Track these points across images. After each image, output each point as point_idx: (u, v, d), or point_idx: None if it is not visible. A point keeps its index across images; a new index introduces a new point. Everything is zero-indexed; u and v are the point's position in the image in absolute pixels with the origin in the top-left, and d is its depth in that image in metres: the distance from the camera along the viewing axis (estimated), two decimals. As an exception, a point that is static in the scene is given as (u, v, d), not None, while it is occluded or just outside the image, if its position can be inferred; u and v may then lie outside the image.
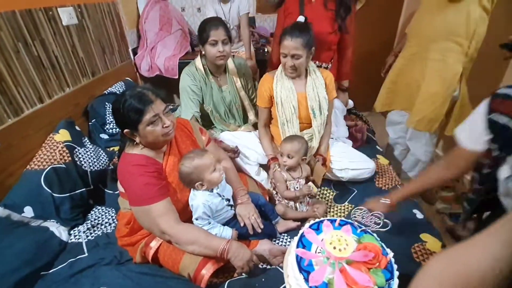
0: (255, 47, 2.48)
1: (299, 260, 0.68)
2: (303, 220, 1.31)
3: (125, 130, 1.03)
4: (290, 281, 0.67)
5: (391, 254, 0.70)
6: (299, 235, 0.74)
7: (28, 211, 1.22)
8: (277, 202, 1.36)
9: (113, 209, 1.39)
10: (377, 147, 1.86)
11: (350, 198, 1.44)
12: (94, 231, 1.28)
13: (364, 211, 0.97)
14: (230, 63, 1.64)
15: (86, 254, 1.15)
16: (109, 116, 1.85)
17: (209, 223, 1.08)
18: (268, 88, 1.44)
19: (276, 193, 1.37)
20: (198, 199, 1.07)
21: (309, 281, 0.63)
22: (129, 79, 2.21)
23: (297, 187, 1.32)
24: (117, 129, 1.84)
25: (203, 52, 1.53)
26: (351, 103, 2.06)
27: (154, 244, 1.06)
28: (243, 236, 1.16)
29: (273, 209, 1.29)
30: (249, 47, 2.24)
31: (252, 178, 1.47)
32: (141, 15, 2.42)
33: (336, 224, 0.77)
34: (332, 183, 1.53)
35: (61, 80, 1.63)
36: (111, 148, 1.74)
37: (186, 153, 1.13)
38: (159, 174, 1.06)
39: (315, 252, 0.72)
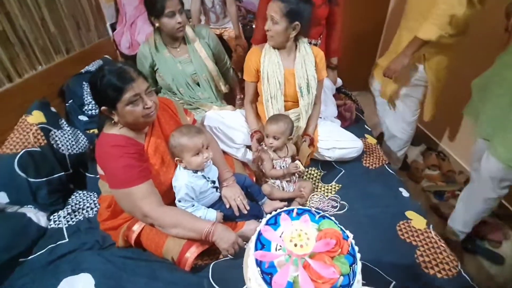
0: (242, 23, 2.36)
1: (259, 263, 0.63)
2: (290, 200, 1.30)
3: (103, 108, 0.97)
4: (252, 286, 0.63)
5: (351, 237, 0.68)
6: (256, 233, 0.69)
7: (2, 197, 1.17)
8: (263, 182, 1.34)
9: (95, 193, 1.34)
10: (366, 126, 1.84)
11: (337, 177, 1.43)
12: (75, 216, 1.24)
13: (320, 196, 0.94)
14: (190, 32, 1.55)
15: (67, 240, 1.12)
16: (87, 97, 1.75)
17: (193, 205, 1.05)
18: (255, 61, 1.38)
19: (262, 174, 1.35)
20: (181, 180, 1.04)
21: (272, 286, 0.58)
22: (108, 57, 2.08)
23: (283, 166, 1.31)
24: (97, 110, 1.75)
25: (157, 25, 1.45)
26: (339, 81, 2.02)
27: (136, 228, 1.03)
28: (229, 217, 1.14)
29: (260, 190, 1.27)
30: (238, 24, 2.13)
31: (239, 160, 1.43)
32: (118, -13, 2.25)
33: (294, 214, 0.73)
34: (319, 163, 1.51)
35: (31, 58, 1.51)
36: (91, 131, 1.65)
37: (184, 125, 1.12)
38: (140, 156, 1.02)
39: (276, 249, 0.67)
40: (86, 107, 1.74)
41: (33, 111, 1.37)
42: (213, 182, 1.12)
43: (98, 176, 1.32)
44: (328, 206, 0.84)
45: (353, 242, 0.67)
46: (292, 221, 0.69)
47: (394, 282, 0.94)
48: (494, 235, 1.58)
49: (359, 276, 0.63)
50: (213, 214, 1.07)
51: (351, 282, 0.61)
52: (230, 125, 1.46)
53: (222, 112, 1.53)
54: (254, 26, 2.40)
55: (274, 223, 0.72)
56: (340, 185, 1.38)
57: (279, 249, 0.67)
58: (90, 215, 1.24)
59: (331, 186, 1.39)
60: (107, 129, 1.03)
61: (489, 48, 1.36)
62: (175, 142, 1.05)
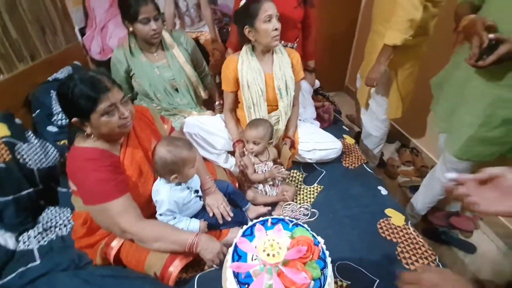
0: (218, 26, 2.34)
1: (236, 273, 0.66)
2: (273, 205, 1.30)
3: (73, 119, 0.91)
4: None
5: (322, 242, 0.72)
6: (233, 245, 0.72)
7: (-37, 220, 1.07)
8: (246, 187, 1.33)
9: (68, 209, 1.27)
10: (344, 127, 1.89)
11: (319, 179, 1.45)
12: (47, 234, 1.16)
13: (292, 205, 0.97)
14: (167, 37, 1.52)
15: (38, 262, 1.04)
16: (56, 106, 1.65)
17: (174, 218, 1.02)
18: (233, 70, 1.36)
19: (245, 179, 1.34)
20: (162, 194, 0.99)
21: None
22: (78, 63, 1.98)
23: (265, 170, 1.31)
24: (67, 120, 1.66)
25: (131, 29, 1.41)
26: (317, 83, 2.05)
27: (115, 244, 0.99)
28: (213, 226, 1.12)
29: (243, 196, 1.26)
30: (213, 27, 2.10)
31: (220, 166, 1.41)
32: (87, -10, 2.15)
33: (269, 224, 0.77)
34: (301, 165, 1.53)
35: (-9, 66, 1.40)
36: (62, 142, 1.56)
37: (170, 138, 1.07)
38: (115, 168, 0.97)
39: (252, 259, 0.70)
40: (55, 117, 1.64)
41: (-5, 124, 1.27)
42: (196, 191, 1.10)
43: (70, 190, 1.25)
44: (300, 214, 0.88)
45: (324, 247, 0.71)
46: (266, 231, 0.72)
47: (378, 281, 0.96)
48: (466, 225, 1.68)
49: (329, 279, 0.67)
50: (196, 224, 1.04)
51: (323, 285, 0.65)
52: (210, 130, 1.43)
53: (202, 118, 1.51)
54: (230, 29, 2.39)
55: (250, 234, 0.76)
56: (322, 187, 1.40)
57: (255, 259, 0.70)
58: (64, 233, 1.16)
59: (313, 188, 1.41)
60: (79, 142, 0.97)
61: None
62: (175, 157, 0.97)
